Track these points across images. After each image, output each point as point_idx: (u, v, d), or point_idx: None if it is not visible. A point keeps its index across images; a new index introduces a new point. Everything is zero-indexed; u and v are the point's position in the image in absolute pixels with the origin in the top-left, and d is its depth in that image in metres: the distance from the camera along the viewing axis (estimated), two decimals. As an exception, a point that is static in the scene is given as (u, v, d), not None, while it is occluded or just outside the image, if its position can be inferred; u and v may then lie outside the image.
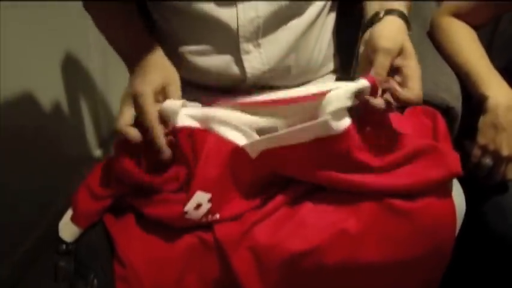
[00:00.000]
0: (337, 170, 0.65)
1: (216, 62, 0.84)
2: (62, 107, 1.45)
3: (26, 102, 1.27)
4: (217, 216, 0.67)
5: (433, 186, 0.65)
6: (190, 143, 0.67)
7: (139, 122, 0.70)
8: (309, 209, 0.66)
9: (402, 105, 0.66)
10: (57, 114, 1.42)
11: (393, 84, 0.65)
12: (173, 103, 0.69)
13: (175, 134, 0.68)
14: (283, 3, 0.80)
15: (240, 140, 0.68)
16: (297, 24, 0.85)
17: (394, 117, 0.74)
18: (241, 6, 0.79)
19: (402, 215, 0.64)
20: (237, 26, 0.80)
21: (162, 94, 0.72)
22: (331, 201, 0.66)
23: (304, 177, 0.67)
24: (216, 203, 0.67)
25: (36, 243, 1.37)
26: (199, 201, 0.66)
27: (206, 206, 0.66)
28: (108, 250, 0.71)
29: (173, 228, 0.68)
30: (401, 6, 0.75)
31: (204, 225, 0.68)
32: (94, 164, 1.60)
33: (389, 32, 0.69)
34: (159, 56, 0.77)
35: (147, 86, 0.70)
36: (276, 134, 0.65)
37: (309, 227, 0.65)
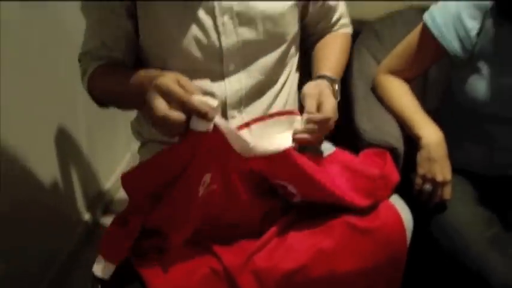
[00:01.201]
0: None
1: None
2: (55, 176, 1.62)
3: (23, 172, 1.43)
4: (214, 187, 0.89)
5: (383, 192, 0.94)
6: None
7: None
8: (294, 236, 0.89)
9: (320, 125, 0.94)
10: (50, 183, 1.59)
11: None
12: (212, 100, 0.81)
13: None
14: (261, 77, 1.05)
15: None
16: (271, 91, 1.09)
17: (351, 158, 1.00)
18: (228, 80, 1.03)
19: (365, 233, 0.87)
20: (225, 96, 1.03)
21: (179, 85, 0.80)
22: (310, 227, 0.89)
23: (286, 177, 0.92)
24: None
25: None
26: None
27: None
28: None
29: (190, 262, 0.88)
30: (328, 72, 1.08)
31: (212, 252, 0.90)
32: (83, 226, 1.76)
33: (312, 86, 1.01)
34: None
35: (165, 77, 0.80)
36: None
37: (295, 250, 0.87)
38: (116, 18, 1.02)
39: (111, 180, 2.06)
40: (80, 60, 1.11)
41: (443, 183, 1.09)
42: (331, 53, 1.16)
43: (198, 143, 0.82)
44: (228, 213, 0.93)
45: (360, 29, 1.50)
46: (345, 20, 1.23)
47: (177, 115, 0.78)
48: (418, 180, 1.11)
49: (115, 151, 2.11)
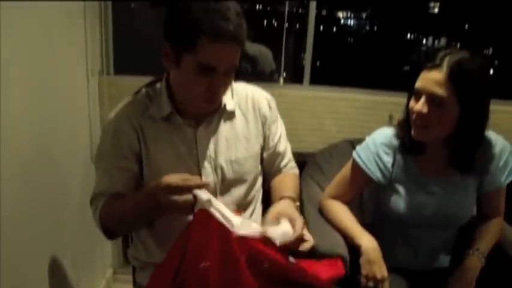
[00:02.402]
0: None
1: None
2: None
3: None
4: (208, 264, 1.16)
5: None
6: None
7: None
8: None
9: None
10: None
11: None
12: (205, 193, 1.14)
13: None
14: (234, 207, 1.40)
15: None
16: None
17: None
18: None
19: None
20: None
21: None
22: None
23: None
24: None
25: None
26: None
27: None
28: None
29: None
30: (290, 193, 1.44)
31: None
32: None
33: (277, 207, 1.35)
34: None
35: (168, 177, 1.14)
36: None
37: None
38: (126, 162, 1.36)
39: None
40: (91, 201, 1.39)
41: (382, 280, 1.43)
42: (287, 181, 1.53)
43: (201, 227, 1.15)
44: None
45: (304, 160, 1.90)
46: (293, 164, 1.61)
47: (188, 196, 1.13)
48: (363, 280, 1.45)
49: (94, 279, 2.33)
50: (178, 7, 1.23)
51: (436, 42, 4.14)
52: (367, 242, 1.48)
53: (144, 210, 1.23)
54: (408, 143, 1.51)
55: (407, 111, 1.47)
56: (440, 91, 1.35)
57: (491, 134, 1.51)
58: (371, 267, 1.44)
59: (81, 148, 2.10)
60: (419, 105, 1.39)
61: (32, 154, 1.61)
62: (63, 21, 1.88)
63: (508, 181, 1.54)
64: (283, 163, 1.57)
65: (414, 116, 1.42)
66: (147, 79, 1.58)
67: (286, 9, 2.48)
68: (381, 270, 1.44)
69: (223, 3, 1.20)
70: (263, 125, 1.47)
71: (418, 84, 1.41)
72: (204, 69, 1.21)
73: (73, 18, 1.99)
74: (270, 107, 1.49)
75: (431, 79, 1.37)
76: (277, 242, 1.19)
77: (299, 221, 1.27)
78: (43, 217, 1.73)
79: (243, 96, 1.46)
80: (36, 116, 1.63)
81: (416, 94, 1.42)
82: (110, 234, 1.37)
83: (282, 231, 1.23)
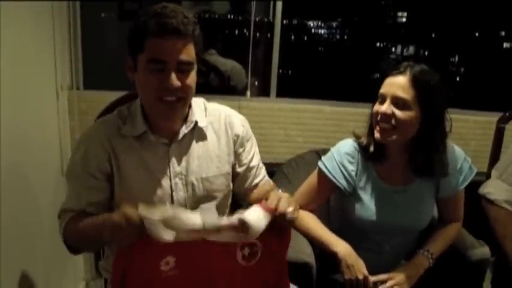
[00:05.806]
0: None
1: None
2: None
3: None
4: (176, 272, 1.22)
5: None
6: None
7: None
8: None
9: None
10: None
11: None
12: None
13: None
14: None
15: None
16: None
17: None
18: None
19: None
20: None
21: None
22: None
23: None
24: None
25: None
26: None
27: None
28: None
29: None
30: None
31: None
32: None
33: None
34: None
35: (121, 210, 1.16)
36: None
37: None
38: (95, 182, 1.40)
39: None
40: (59, 215, 1.44)
41: (364, 279, 1.53)
42: (266, 187, 1.57)
43: None
44: None
45: (272, 170, 1.96)
46: (267, 179, 1.64)
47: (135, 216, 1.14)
48: (347, 284, 1.54)
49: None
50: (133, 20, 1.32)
51: (404, 50, 4.28)
52: (342, 248, 1.57)
53: (102, 235, 1.27)
54: (374, 149, 1.61)
55: (371, 117, 1.58)
56: (403, 94, 1.49)
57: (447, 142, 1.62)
58: (351, 271, 1.54)
59: (51, 163, 2.14)
60: (384, 107, 1.51)
61: (2, 169, 1.64)
62: (33, 37, 1.92)
63: (462, 187, 1.67)
64: (257, 179, 1.60)
65: (379, 117, 1.53)
66: (116, 94, 1.64)
67: (252, 19, 2.52)
68: (360, 270, 1.54)
69: (170, 7, 1.30)
70: (235, 143, 1.53)
71: (383, 89, 1.54)
72: (154, 63, 1.29)
73: (42, 34, 2.04)
74: (243, 126, 1.55)
75: (395, 83, 1.51)
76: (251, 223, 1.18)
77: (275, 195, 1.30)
78: (14, 231, 1.76)
79: (216, 116, 1.52)
80: (6, 132, 1.66)
81: (380, 98, 1.54)
82: (72, 249, 1.43)
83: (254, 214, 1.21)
